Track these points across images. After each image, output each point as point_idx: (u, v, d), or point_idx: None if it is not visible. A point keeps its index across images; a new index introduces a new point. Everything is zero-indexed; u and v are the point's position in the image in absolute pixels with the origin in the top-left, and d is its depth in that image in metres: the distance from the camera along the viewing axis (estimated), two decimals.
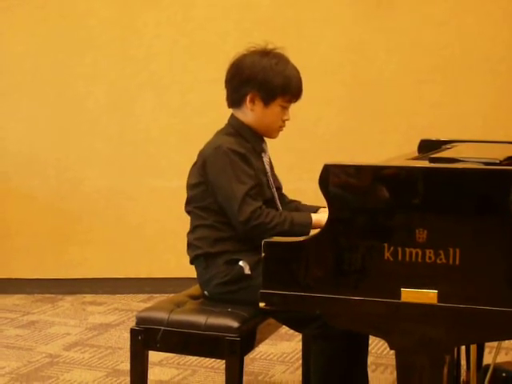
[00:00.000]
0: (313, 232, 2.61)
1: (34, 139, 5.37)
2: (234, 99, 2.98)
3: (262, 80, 2.90)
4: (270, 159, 3.11)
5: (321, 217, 2.82)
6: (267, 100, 2.93)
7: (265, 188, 2.96)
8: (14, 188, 5.39)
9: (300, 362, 3.60)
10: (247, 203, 2.78)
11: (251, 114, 2.96)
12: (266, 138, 3.07)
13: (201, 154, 2.95)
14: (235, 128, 2.98)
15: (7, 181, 5.39)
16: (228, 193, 2.83)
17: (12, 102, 5.36)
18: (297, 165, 5.24)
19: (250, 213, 2.77)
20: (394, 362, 2.33)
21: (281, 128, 3.03)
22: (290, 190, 3.25)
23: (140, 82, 5.34)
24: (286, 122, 3.02)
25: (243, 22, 5.21)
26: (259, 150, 3.01)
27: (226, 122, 3.05)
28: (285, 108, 2.97)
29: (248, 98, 2.93)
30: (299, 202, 3.22)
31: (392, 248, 2.20)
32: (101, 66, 5.33)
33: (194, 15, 5.30)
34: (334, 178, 2.27)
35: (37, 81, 5.34)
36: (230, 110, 3.05)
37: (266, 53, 2.96)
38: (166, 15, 5.31)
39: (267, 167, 3.03)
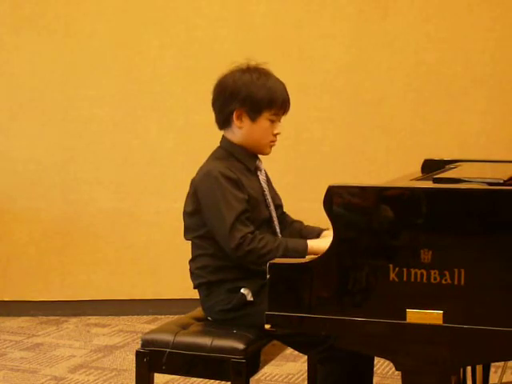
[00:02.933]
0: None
1: (39, 161, 5.38)
2: (222, 120, 2.96)
3: (246, 95, 2.87)
4: (267, 177, 3.07)
5: (318, 243, 2.78)
6: (254, 115, 2.89)
7: (262, 208, 2.92)
8: (19, 209, 5.40)
9: (305, 383, 3.58)
10: (237, 229, 2.74)
11: (240, 132, 2.92)
12: (260, 156, 3.03)
13: (192, 182, 2.93)
14: (226, 149, 2.95)
15: (13, 202, 5.40)
16: (217, 219, 2.79)
17: (18, 123, 5.38)
18: (301, 184, 5.25)
19: (240, 238, 2.72)
20: (399, 383, 2.33)
21: (272, 143, 2.96)
22: (294, 210, 3.23)
23: (144, 103, 5.36)
24: (278, 136, 2.97)
25: (246, 43, 5.23)
26: (253, 168, 2.98)
27: None
28: (273, 122, 2.92)
29: (235, 116, 2.90)
30: (302, 223, 3.17)
31: (397, 269, 2.20)
32: (105, 88, 5.35)
33: (197, 36, 5.32)
34: (338, 199, 2.27)
35: (42, 102, 5.37)
36: None
37: (246, 69, 2.94)
38: (169, 37, 5.34)
39: (264, 185, 2.99)
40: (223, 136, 3.00)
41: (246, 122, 2.90)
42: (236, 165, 2.91)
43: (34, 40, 5.35)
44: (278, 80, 2.95)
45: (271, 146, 2.98)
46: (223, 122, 2.96)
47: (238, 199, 2.79)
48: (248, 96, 2.87)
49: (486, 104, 5.23)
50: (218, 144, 3.01)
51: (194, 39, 5.33)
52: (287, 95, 2.95)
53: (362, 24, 5.28)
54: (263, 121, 2.90)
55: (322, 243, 2.73)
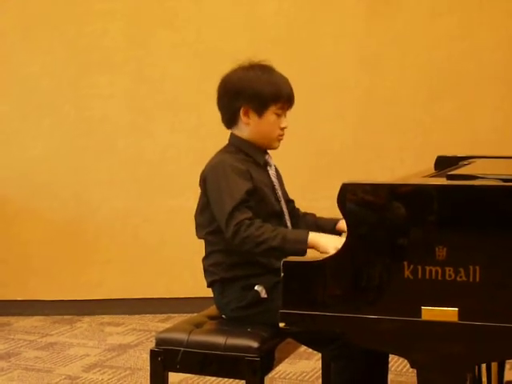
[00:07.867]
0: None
1: (52, 161, 5.40)
2: (229, 118, 2.98)
3: (252, 91, 2.89)
4: (277, 172, 3.08)
5: (319, 236, 2.68)
6: (260, 110, 2.90)
7: (271, 201, 2.92)
8: (32, 209, 5.41)
9: (320, 380, 3.58)
10: (234, 217, 2.72)
11: (247, 128, 2.94)
12: (272, 154, 3.04)
13: (201, 176, 2.94)
14: (235, 145, 2.97)
15: (26, 202, 5.41)
16: (219, 206, 2.79)
17: (31, 124, 5.40)
18: (312, 182, 5.25)
19: (235, 225, 2.69)
20: (414, 380, 2.32)
21: (280, 137, 2.97)
22: (306, 208, 3.23)
23: (155, 102, 5.36)
24: (286, 130, 2.97)
25: (257, 42, 5.22)
26: (263, 163, 2.99)
27: None
28: (280, 116, 2.93)
29: (241, 112, 2.92)
30: (315, 215, 3.17)
31: (412, 266, 2.20)
32: (116, 88, 5.36)
33: (207, 36, 5.32)
34: (351, 197, 2.27)
35: (54, 103, 5.38)
36: None
37: (250, 66, 2.96)
38: (180, 36, 5.34)
39: (274, 180, 3.00)
40: (231, 133, 3.02)
41: (253, 118, 2.92)
42: (245, 159, 2.93)
43: (45, 40, 5.37)
44: (281, 75, 2.97)
45: (279, 140, 2.99)
46: (230, 120, 2.99)
47: (240, 188, 2.78)
48: (254, 92, 2.89)
49: (497, 100, 5.21)
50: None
51: (205, 39, 5.33)
52: (291, 89, 2.97)
53: (373, 22, 5.27)
54: (270, 115, 2.92)
55: (322, 237, 2.67)
